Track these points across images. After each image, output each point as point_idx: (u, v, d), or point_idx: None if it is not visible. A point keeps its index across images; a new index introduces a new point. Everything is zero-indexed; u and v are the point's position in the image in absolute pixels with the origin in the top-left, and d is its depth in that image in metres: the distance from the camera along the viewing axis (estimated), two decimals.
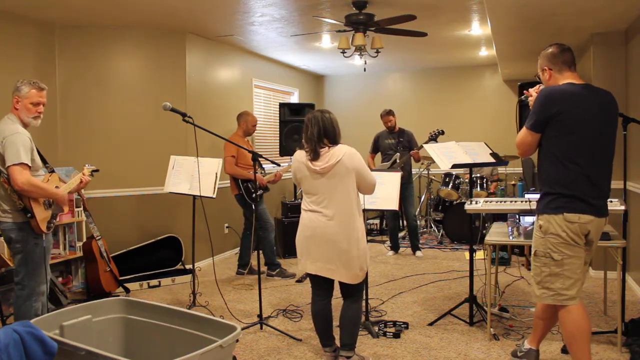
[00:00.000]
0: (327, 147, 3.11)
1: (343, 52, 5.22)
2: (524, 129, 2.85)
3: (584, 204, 2.72)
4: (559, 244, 2.75)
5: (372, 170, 3.37)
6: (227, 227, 6.45)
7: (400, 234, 7.23)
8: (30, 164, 3.16)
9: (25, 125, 3.26)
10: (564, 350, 3.41)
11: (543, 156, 2.85)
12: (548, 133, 2.77)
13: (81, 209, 4.99)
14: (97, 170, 3.91)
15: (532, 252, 2.90)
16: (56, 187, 3.40)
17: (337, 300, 3.37)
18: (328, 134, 3.12)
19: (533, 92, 3.00)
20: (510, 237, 3.70)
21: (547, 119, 2.74)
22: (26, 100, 3.22)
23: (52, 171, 3.47)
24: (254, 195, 5.28)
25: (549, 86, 2.85)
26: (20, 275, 3.25)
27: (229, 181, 5.58)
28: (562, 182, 2.75)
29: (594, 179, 2.74)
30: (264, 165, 5.83)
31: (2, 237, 4.18)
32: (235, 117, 5.68)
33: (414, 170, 6.78)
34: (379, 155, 6.56)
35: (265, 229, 5.43)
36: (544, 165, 2.84)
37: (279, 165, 4.68)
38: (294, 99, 8.61)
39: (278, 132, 7.19)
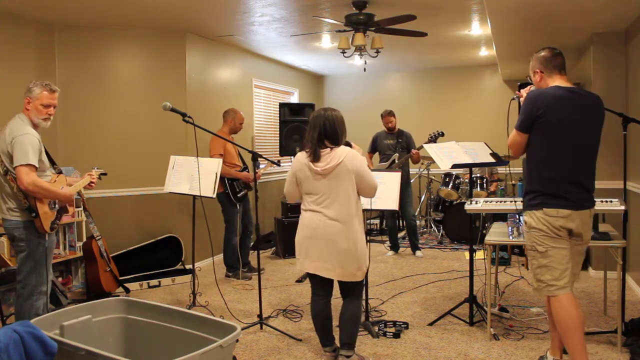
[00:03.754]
0: (328, 149, 3.10)
1: (343, 52, 5.21)
2: (514, 130, 3.00)
3: (562, 200, 2.85)
4: (542, 236, 2.90)
5: (370, 170, 3.36)
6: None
7: (400, 234, 7.23)
8: (37, 165, 3.20)
9: (35, 126, 3.30)
10: (564, 351, 3.40)
11: (528, 156, 2.99)
12: (533, 134, 2.91)
13: (81, 209, 4.99)
14: (105, 174, 3.99)
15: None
16: (62, 188, 3.44)
17: (337, 300, 3.37)
18: (328, 136, 3.11)
19: (524, 92, 3.12)
20: (510, 237, 3.71)
21: (532, 120, 2.89)
22: (37, 101, 3.27)
23: (60, 172, 3.52)
24: (238, 195, 5.28)
25: (536, 89, 3.00)
26: (23, 273, 3.28)
27: None
28: (542, 181, 2.91)
29: (573, 179, 2.86)
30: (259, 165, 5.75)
31: (1, 237, 4.21)
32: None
33: (413, 171, 6.78)
34: (376, 155, 6.56)
35: (230, 231, 5.38)
36: (529, 165, 2.99)
37: (278, 165, 4.67)
38: (294, 99, 8.61)
39: (278, 132, 7.19)
